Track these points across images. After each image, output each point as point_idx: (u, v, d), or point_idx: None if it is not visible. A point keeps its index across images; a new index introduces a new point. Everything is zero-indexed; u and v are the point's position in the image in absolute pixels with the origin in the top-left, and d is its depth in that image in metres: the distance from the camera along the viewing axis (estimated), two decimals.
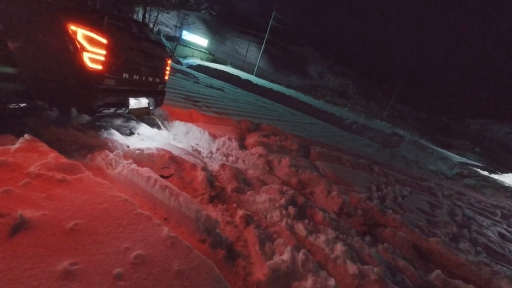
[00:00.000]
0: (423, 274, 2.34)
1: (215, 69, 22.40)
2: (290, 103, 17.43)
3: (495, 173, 14.14)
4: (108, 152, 2.27)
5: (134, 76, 2.64)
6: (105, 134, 2.63)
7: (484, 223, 5.05)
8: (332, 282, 1.72)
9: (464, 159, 17.02)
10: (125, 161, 2.20)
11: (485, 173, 13.62)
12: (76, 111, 2.60)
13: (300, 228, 2.15)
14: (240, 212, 2.15)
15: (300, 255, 1.79)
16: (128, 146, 2.61)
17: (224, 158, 3.43)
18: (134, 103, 2.74)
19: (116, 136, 2.70)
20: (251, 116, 7.13)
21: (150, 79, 2.94)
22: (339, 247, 2.03)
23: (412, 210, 4.03)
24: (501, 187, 9.49)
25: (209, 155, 3.35)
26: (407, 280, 2.14)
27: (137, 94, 2.80)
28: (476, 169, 14.18)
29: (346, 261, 1.92)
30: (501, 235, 4.74)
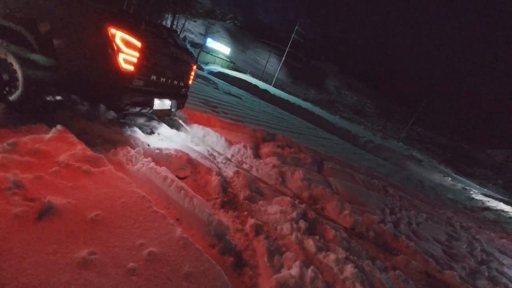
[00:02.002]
0: None
1: (235, 77, 22.86)
2: (306, 116, 17.38)
3: None
4: (129, 148, 2.36)
5: (161, 79, 2.76)
6: (128, 131, 2.74)
7: (505, 262, 4.72)
8: None
9: (485, 190, 16.14)
10: (144, 159, 2.27)
11: (508, 207, 12.80)
12: (105, 107, 2.74)
13: (310, 244, 2.11)
14: (251, 221, 2.15)
15: (309, 272, 1.75)
16: (148, 145, 2.71)
17: (239, 165, 3.45)
18: (158, 104, 2.85)
19: (138, 134, 2.81)
20: (266, 125, 7.17)
21: (175, 82, 3.06)
22: (349, 269, 1.97)
23: (427, 238, 3.85)
24: None
25: (224, 161, 3.39)
26: None
27: (162, 96, 2.91)
28: (498, 201, 13.38)
29: (356, 284, 1.86)
30: None
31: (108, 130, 2.64)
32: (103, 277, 1.05)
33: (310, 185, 3.51)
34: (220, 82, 18.49)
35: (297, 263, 1.79)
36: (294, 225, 2.28)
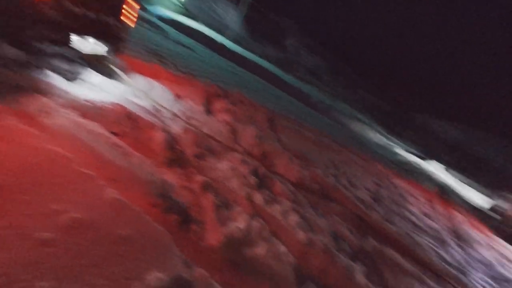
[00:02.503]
0: (361, 242, 2.63)
1: (188, 27, 20.36)
2: (261, 74, 16.99)
3: (426, 160, 16.36)
4: (44, 98, 1.92)
5: (83, 10, 2.18)
6: (43, 77, 2.20)
7: (413, 202, 5.86)
8: (283, 249, 1.80)
9: (408, 148, 19.16)
10: (66, 111, 1.89)
11: (422, 161, 15.59)
12: (7, 44, 2.10)
13: (259, 198, 2.18)
14: (199, 178, 2.07)
15: (256, 224, 1.82)
16: (72, 95, 2.24)
17: (188, 121, 3.22)
18: (82, 43, 2.31)
19: (57, 80, 2.28)
20: (220, 81, 6.77)
21: (104, 18, 2.48)
22: (293, 218, 2.13)
23: (360, 188, 4.42)
24: (428, 176, 11.12)
25: (171, 117, 3.10)
26: (347, 246, 2.38)
27: (84, 33, 2.35)
28: (416, 157, 16.10)
29: (299, 231, 2.03)
30: (424, 213, 5.57)
31: (13, 75, 2.06)
32: (6, 253, 0.86)
33: (262, 142, 3.54)
34: (171, 30, 16.27)
35: (245, 216, 1.84)
36: (244, 181, 2.29)
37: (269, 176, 2.69)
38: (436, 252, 3.65)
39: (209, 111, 3.84)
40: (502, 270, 4.88)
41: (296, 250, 1.89)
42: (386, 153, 12.14)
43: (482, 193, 12.77)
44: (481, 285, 3.62)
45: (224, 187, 2.19)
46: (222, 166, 2.42)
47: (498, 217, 7.76)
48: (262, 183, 2.48)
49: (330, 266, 1.93)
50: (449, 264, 3.56)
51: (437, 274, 2.98)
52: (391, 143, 15.75)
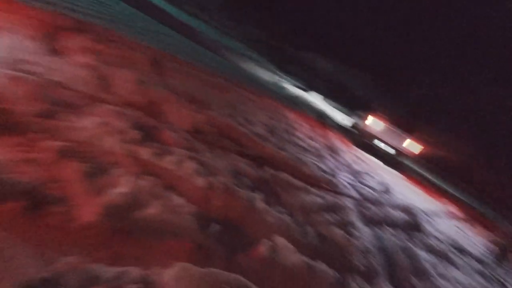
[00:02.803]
0: (260, 173, 2.87)
1: None
2: (139, 5, 13.76)
3: (308, 92, 19.38)
4: None
5: None
6: None
7: (298, 129, 6.92)
8: (181, 200, 1.68)
9: (295, 83, 21.74)
10: None
11: (306, 94, 18.25)
12: None
13: (145, 152, 1.87)
14: (51, 144, 1.52)
15: (144, 183, 1.58)
16: None
17: (15, 66, 2.21)
18: None
19: None
20: (76, 10, 4.92)
21: None
22: (190, 165, 1.99)
23: (256, 123, 4.70)
24: (310, 105, 13.32)
25: None
26: (247, 180, 2.54)
27: None
28: (301, 90, 18.58)
29: (196, 177, 1.93)
30: (309, 137, 6.71)
31: None
32: None
33: (145, 88, 2.98)
34: None
35: (129, 177, 1.54)
36: (123, 137, 1.88)
37: (156, 126, 2.33)
38: (317, 165, 4.56)
39: (55, 51, 2.77)
40: (355, 167, 6.79)
41: (196, 197, 1.83)
42: (276, 89, 13.30)
43: (347, 114, 16.64)
44: (344, 180, 4.92)
45: (94, 149, 1.72)
46: (89, 124, 1.87)
47: (356, 132, 10.40)
48: (148, 136, 2.13)
49: (233, 202, 2.00)
50: (325, 172, 4.56)
51: (318, 183, 3.77)
52: (280, 79, 17.31)
